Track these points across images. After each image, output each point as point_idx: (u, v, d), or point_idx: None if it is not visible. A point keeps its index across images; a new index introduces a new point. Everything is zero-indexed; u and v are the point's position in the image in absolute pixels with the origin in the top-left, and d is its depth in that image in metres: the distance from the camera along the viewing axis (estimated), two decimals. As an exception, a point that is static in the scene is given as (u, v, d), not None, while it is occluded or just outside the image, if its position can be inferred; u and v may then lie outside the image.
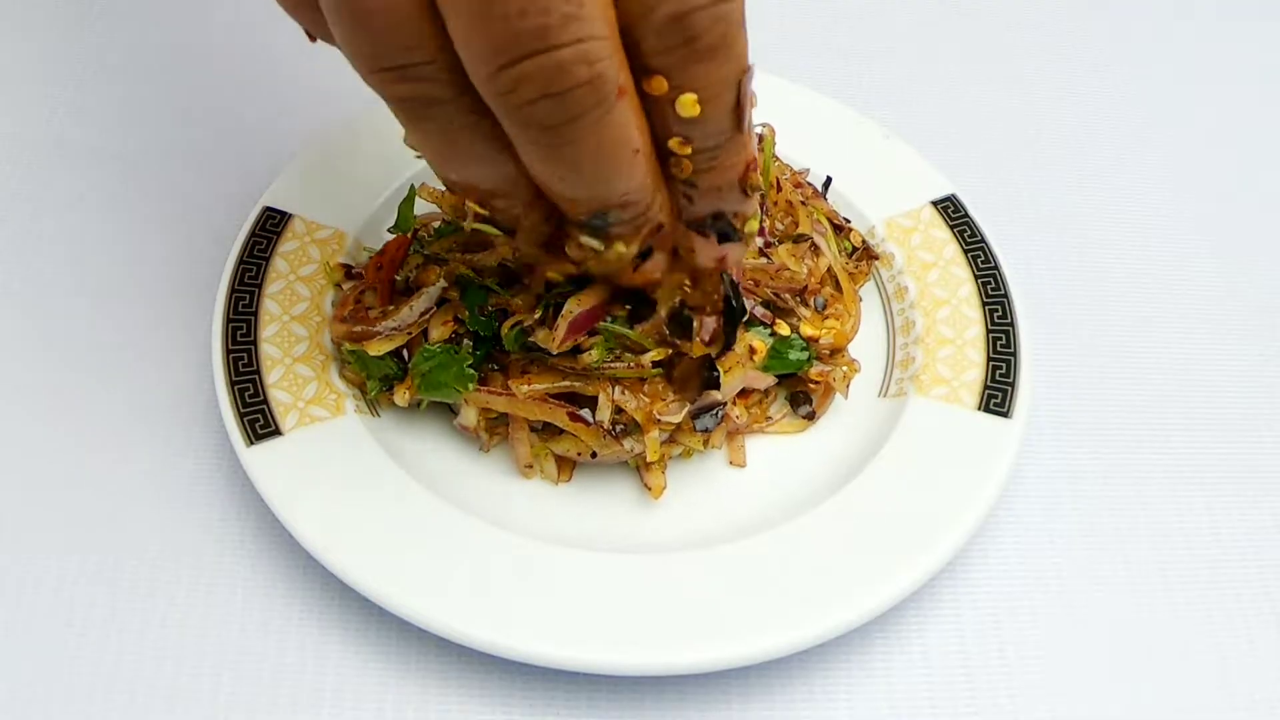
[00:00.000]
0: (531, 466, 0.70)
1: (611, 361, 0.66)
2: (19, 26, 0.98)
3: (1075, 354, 0.82)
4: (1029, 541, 0.72)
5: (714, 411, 0.68)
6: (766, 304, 0.72)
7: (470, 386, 0.67)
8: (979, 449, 0.68)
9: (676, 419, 0.67)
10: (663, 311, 0.64)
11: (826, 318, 0.73)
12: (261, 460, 0.65)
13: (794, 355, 0.71)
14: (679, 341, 0.65)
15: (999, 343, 0.74)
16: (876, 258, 0.80)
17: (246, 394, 0.68)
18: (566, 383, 0.67)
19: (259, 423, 0.66)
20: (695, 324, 0.64)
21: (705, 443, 0.69)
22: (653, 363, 0.66)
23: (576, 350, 0.66)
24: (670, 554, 0.64)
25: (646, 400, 0.66)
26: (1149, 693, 0.66)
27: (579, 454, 0.69)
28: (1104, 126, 0.99)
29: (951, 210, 0.81)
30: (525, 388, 0.67)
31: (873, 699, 0.64)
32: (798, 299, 0.73)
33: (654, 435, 0.67)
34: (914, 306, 0.77)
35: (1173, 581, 0.71)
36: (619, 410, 0.67)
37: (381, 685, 0.63)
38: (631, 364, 0.66)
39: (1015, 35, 1.07)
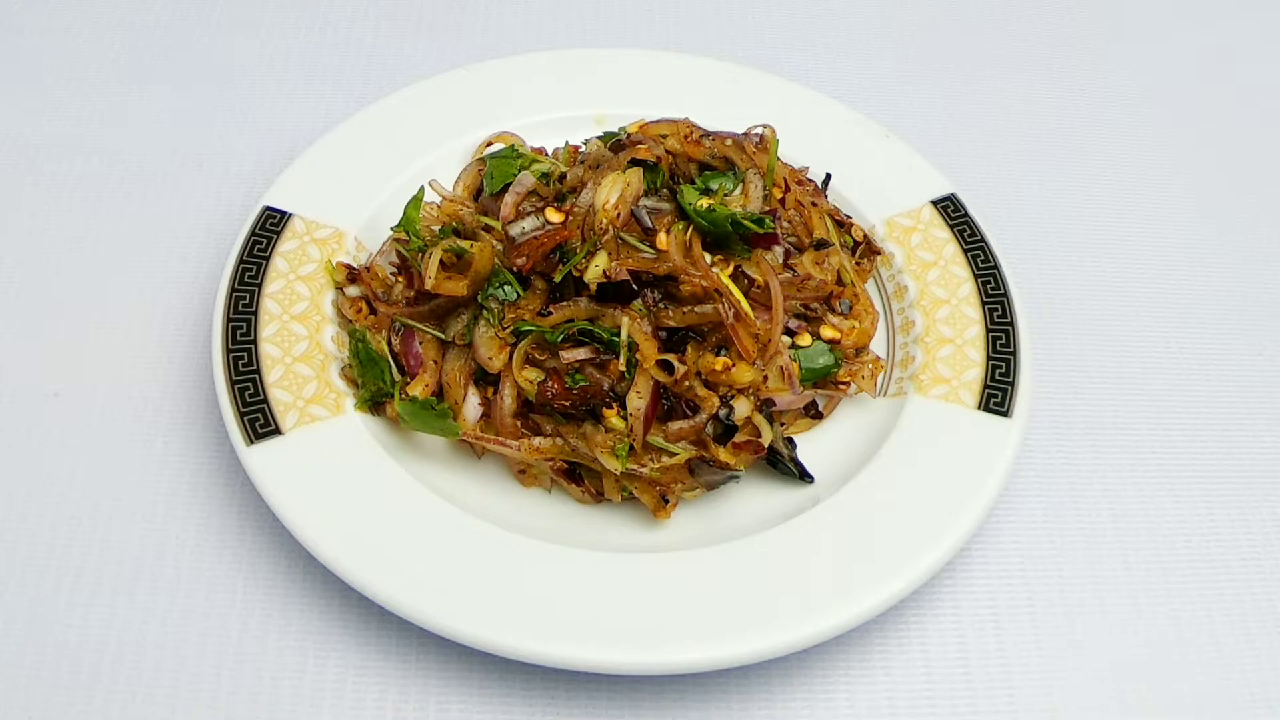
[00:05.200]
0: (525, 473, 0.70)
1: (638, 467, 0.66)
2: (19, 27, 0.98)
3: (1075, 354, 0.82)
4: (1029, 541, 0.72)
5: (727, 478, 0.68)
6: (798, 315, 0.73)
7: (455, 435, 0.67)
8: (979, 448, 0.68)
9: (694, 497, 0.68)
10: (704, 416, 0.66)
11: (847, 318, 0.74)
12: (261, 459, 0.65)
13: (822, 361, 0.72)
14: (714, 447, 0.66)
15: (999, 342, 0.74)
16: (879, 253, 0.80)
17: (246, 393, 0.68)
18: (571, 454, 0.67)
19: (259, 422, 0.66)
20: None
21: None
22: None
23: (592, 414, 0.66)
24: (670, 554, 0.64)
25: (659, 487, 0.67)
26: (1149, 692, 0.66)
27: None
28: (1104, 126, 0.99)
29: (951, 210, 0.81)
30: (529, 444, 0.67)
31: (873, 699, 0.64)
32: (824, 305, 0.74)
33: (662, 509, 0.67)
34: (914, 306, 0.77)
35: (1173, 581, 0.71)
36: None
37: (381, 685, 0.63)
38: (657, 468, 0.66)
39: (1015, 36, 1.07)
